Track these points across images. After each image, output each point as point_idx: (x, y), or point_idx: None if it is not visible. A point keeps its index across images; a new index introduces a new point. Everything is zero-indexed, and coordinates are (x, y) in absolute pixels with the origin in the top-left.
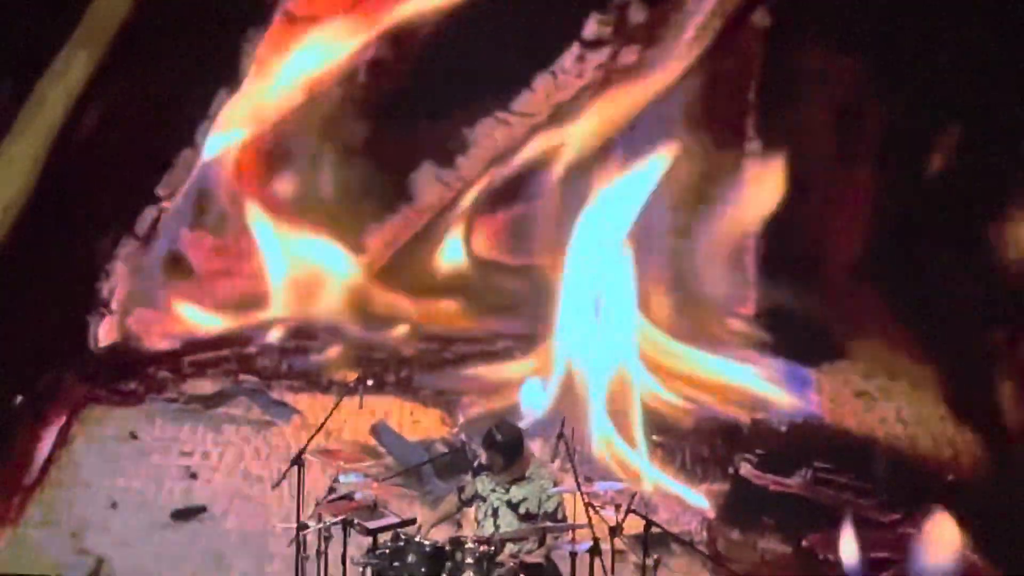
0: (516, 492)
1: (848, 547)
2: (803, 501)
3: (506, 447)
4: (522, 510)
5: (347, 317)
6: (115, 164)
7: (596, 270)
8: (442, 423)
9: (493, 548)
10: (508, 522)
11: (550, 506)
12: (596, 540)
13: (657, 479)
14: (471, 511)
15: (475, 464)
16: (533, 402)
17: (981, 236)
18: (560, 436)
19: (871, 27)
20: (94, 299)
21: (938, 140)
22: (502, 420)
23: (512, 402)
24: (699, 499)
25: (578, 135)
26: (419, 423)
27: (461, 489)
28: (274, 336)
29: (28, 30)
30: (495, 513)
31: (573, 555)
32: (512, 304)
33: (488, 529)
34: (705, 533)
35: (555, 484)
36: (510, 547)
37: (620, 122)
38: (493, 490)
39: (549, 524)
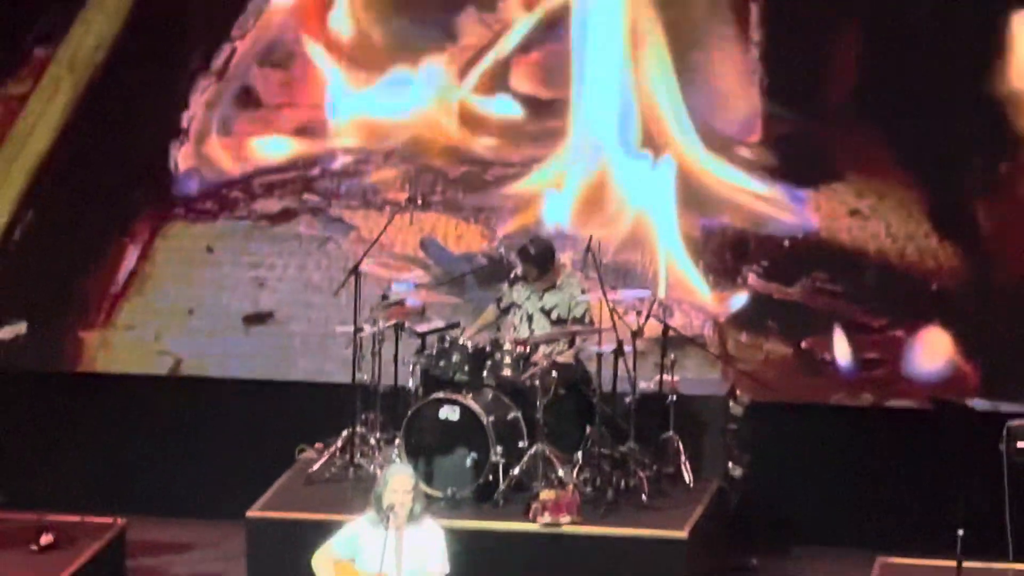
0: (548, 299)
1: (842, 348)
2: (803, 307)
3: (538, 258)
4: (554, 316)
5: (399, 144)
6: (195, 7)
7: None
8: (482, 237)
9: (528, 349)
10: (541, 326)
11: (578, 312)
12: (619, 342)
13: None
14: (508, 318)
15: (511, 276)
16: (561, 217)
17: (970, 69)
18: (587, 249)
19: None
20: (175, 128)
21: None
22: (535, 235)
23: (543, 218)
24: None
25: None
26: (462, 238)
27: (499, 299)
28: (334, 161)
29: None
30: (529, 319)
31: (599, 355)
32: (544, 133)
33: (524, 333)
34: (716, 336)
35: (583, 292)
36: (543, 348)
37: None
38: (528, 298)
39: (578, 328)
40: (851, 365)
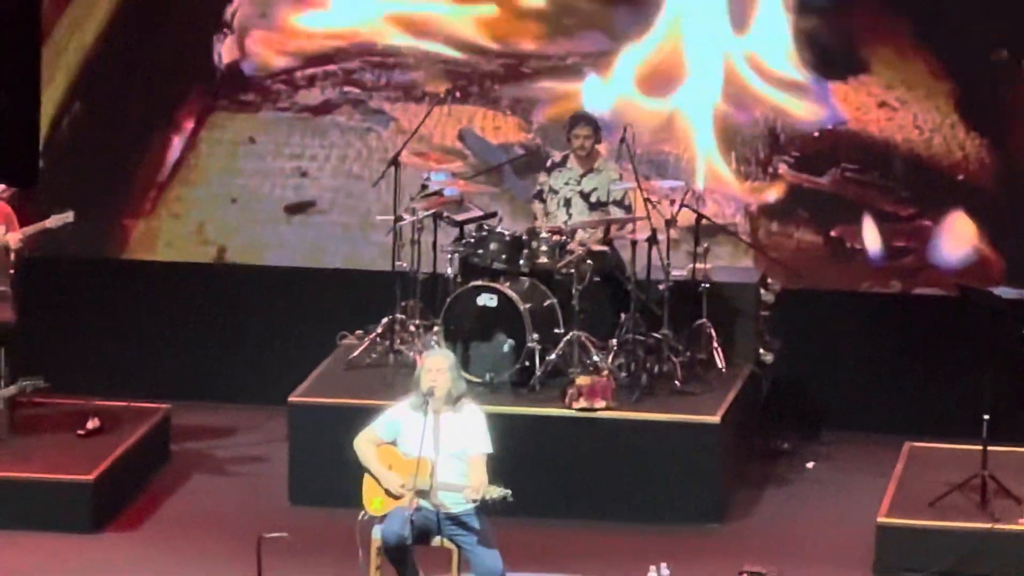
0: (587, 183)
1: (871, 237)
2: (832, 197)
3: (593, 122)
4: (593, 199)
5: (438, 37)
6: None
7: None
8: (519, 129)
9: (564, 237)
10: (580, 210)
11: (618, 194)
12: (654, 231)
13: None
14: (543, 206)
15: (548, 163)
16: (597, 105)
17: None
18: (622, 139)
19: None
20: (218, 21)
21: None
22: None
23: (579, 109)
24: (759, 192)
25: None
26: (499, 129)
27: (539, 191)
28: (375, 53)
29: None
30: (567, 203)
31: (633, 243)
32: (580, 26)
33: (561, 218)
34: (748, 225)
35: (620, 177)
36: (579, 236)
37: None
38: (566, 183)
39: (612, 216)
40: (879, 253)
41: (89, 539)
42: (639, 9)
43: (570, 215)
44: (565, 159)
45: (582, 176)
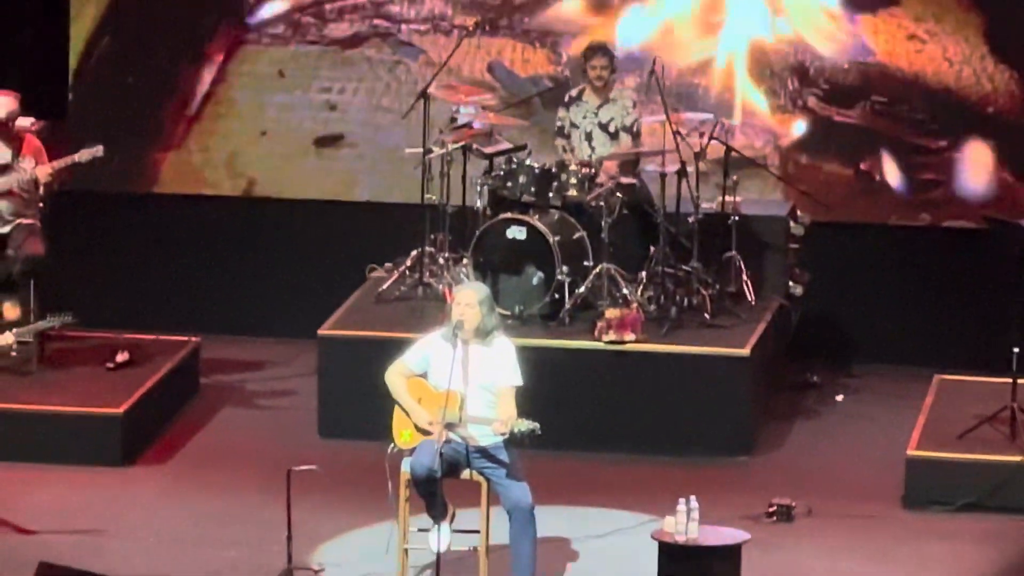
0: (604, 114)
1: (899, 170)
2: (861, 130)
3: (608, 52)
4: (611, 128)
5: None
6: None
7: None
8: (548, 61)
9: (593, 170)
10: (601, 143)
11: (627, 121)
12: (683, 163)
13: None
14: (565, 141)
15: (566, 98)
16: (627, 41)
17: None
18: (651, 72)
19: None
20: None
21: None
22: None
23: (609, 39)
24: (788, 125)
25: None
26: (528, 61)
27: (560, 128)
28: None
29: None
30: (589, 137)
31: (662, 176)
32: None
33: (584, 152)
34: (778, 157)
35: (633, 104)
36: (607, 170)
37: None
38: (584, 116)
39: (644, 149)
40: (908, 186)
41: (119, 472)
42: None
43: (592, 148)
44: (581, 93)
45: (599, 107)
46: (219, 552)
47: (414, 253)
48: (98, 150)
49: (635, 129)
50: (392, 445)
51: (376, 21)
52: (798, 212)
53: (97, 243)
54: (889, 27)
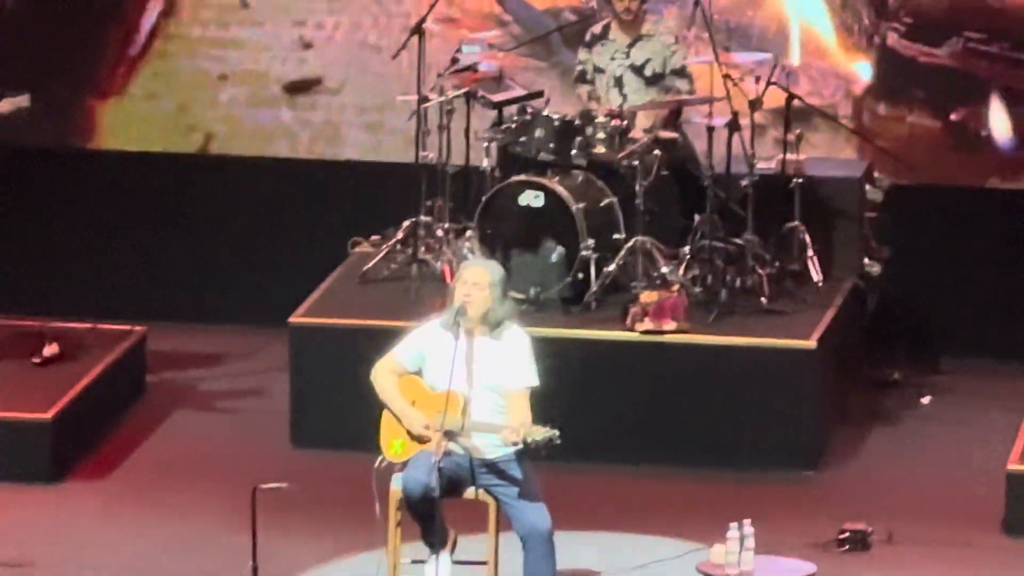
0: (637, 54)
1: (1000, 121)
2: (953, 73)
3: None
4: (647, 72)
5: None
6: None
7: None
8: None
9: (625, 122)
10: (635, 88)
11: (676, 61)
12: (734, 114)
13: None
14: (589, 88)
15: (587, 37)
16: None
17: None
18: (696, 2)
19: None
20: None
21: None
22: None
23: None
24: (864, 67)
25: None
26: None
27: (581, 72)
28: None
29: None
30: (619, 83)
31: (710, 130)
32: None
33: (614, 100)
34: (850, 107)
35: (676, 39)
36: (642, 121)
37: None
38: (612, 57)
39: (685, 97)
40: (1010, 141)
41: (47, 490)
42: None
43: (624, 96)
44: (606, 29)
45: (629, 47)
46: None
47: (407, 224)
48: (23, 100)
49: (686, 71)
50: (380, 458)
51: None
52: (875, 173)
53: (22, 210)
54: None
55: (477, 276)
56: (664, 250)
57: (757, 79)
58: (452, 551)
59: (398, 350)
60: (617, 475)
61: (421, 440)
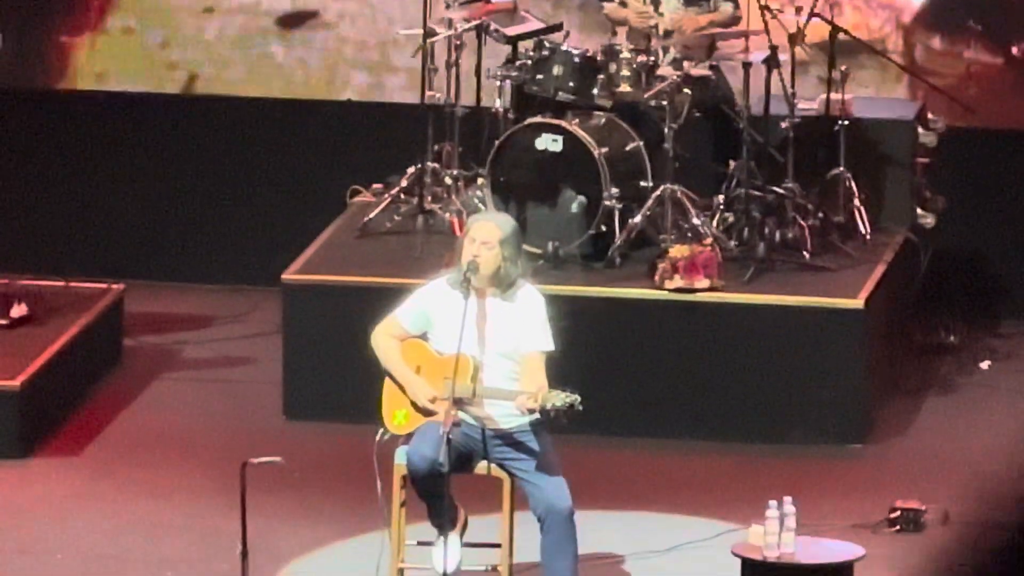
0: None
1: None
2: (1014, 2)
3: None
4: None
5: None
6: None
7: None
8: None
9: (652, 59)
10: (673, 8)
11: None
12: (773, 49)
13: None
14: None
15: None
16: None
17: None
18: None
19: None
20: None
21: None
22: None
23: None
24: None
25: None
26: None
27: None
28: None
29: None
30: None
31: (746, 66)
32: None
33: (648, 21)
34: (901, 41)
35: None
36: (672, 56)
37: None
38: None
39: (719, 30)
40: None
41: (16, 466)
42: None
43: (660, 13)
44: None
45: None
46: (150, 572)
47: (411, 170)
48: None
49: None
50: (382, 430)
51: None
52: (929, 115)
53: None
54: None
55: (486, 233)
56: (696, 199)
57: (798, 10)
58: (462, 532)
59: (400, 311)
60: (644, 448)
61: (427, 411)
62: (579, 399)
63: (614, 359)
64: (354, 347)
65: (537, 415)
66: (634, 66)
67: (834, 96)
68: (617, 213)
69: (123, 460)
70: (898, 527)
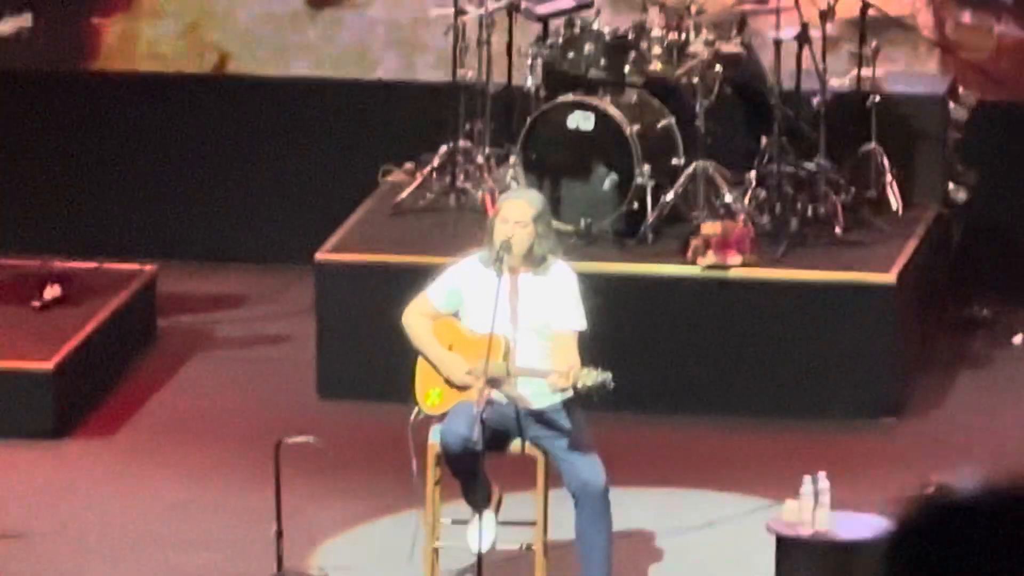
0: None
1: None
2: None
3: None
4: None
5: None
6: None
7: None
8: None
9: (684, 36)
10: None
11: None
12: (804, 25)
13: None
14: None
15: None
16: None
17: None
18: None
19: None
20: None
21: None
22: None
23: None
24: None
25: None
26: None
27: None
28: None
29: None
30: None
31: (777, 43)
32: None
33: None
34: (931, 16)
35: None
36: (704, 35)
37: None
38: None
39: (750, 7)
40: None
41: (50, 447)
42: None
43: None
44: None
45: None
46: (186, 556)
47: (443, 149)
48: (25, 19)
49: None
50: (416, 409)
51: None
52: (960, 89)
53: (22, 137)
54: None
55: (519, 212)
56: (728, 176)
57: None
58: (497, 510)
59: (432, 290)
60: (677, 425)
61: (461, 389)
62: (611, 377)
63: (646, 336)
64: (387, 326)
65: (569, 392)
66: (665, 44)
67: (865, 72)
68: (649, 190)
69: (157, 441)
70: None
